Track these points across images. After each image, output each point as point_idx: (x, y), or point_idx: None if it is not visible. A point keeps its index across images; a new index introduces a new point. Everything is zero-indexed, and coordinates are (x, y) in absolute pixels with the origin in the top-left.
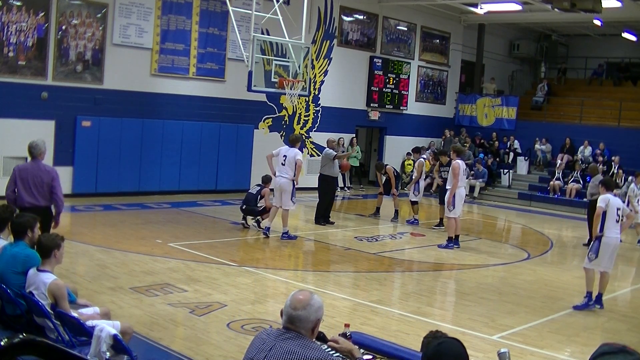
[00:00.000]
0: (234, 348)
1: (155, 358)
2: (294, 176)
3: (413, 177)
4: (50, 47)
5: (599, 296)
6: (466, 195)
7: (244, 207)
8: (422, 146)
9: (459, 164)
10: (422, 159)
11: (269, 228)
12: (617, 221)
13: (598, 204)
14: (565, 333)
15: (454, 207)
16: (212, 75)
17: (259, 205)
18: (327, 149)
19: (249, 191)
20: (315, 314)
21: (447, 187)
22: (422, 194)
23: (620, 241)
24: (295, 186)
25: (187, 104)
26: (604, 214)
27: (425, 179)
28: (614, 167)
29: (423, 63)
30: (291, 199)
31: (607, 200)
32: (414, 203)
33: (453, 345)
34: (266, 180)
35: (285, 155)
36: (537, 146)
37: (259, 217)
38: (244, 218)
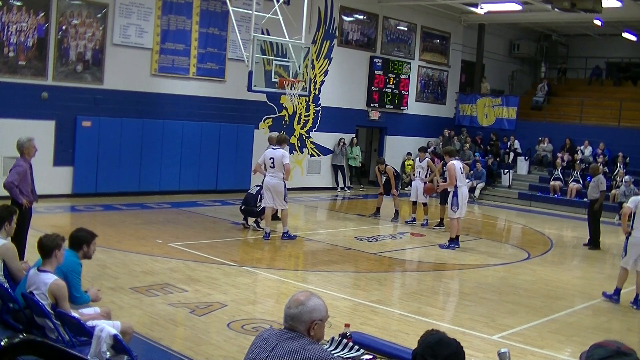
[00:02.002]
0: (234, 348)
1: (155, 358)
2: (284, 177)
3: (423, 176)
4: (50, 47)
5: (637, 297)
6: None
7: (242, 208)
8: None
9: (454, 164)
10: (427, 158)
11: (269, 233)
12: None
13: (628, 204)
14: (565, 333)
15: (457, 208)
16: (212, 75)
17: (258, 205)
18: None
19: (249, 191)
20: (309, 315)
21: (449, 189)
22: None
23: None
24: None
25: (187, 104)
26: (634, 214)
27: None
28: (619, 167)
29: (423, 63)
30: (284, 199)
31: (637, 202)
32: (424, 204)
33: (438, 334)
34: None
35: (272, 158)
36: (540, 147)
37: (258, 218)
38: (245, 218)
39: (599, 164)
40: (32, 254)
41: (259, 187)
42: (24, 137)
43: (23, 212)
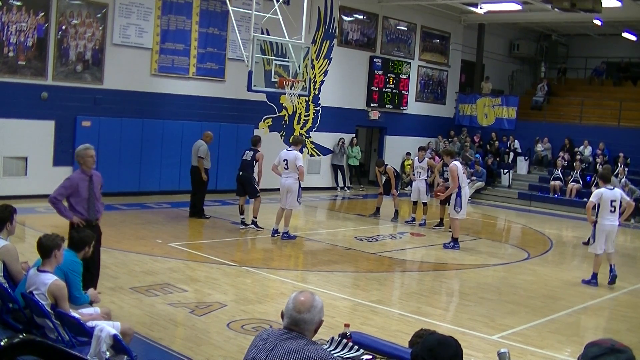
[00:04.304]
0: (234, 348)
1: (155, 358)
2: (299, 178)
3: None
4: (50, 47)
5: (610, 268)
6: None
7: (240, 174)
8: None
9: (457, 165)
10: (427, 158)
11: (277, 230)
12: (612, 211)
13: (590, 199)
14: (565, 333)
15: (460, 208)
16: (212, 75)
17: (254, 170)
18: (201, 142)
19: (243, 158)
20: (319, 316)
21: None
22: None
23: (619, 225)
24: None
25: (187, 104)
26: (598, 205)
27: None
28: (620, 166)
29: (423, 63)
30: (297, 200)
31: (600, 195)
32: (424, 204)
33: (437, 335)
34: (255, 141)
35: (285, 159)
36: (537, 147)
37: (254, 219)
38: (241, 211)
39: (597, 164)
40: (32, 253)
41: (252, 152)
42: (82, 145)
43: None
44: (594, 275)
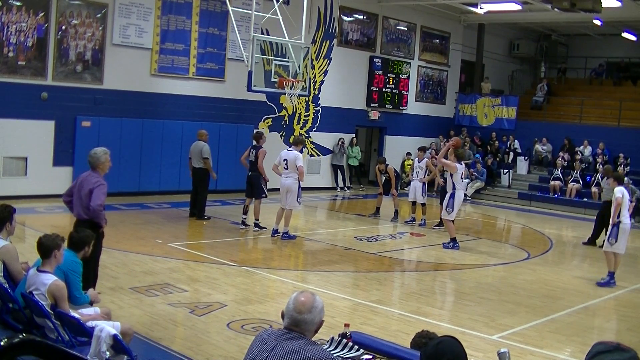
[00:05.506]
0: (234, 348)
1: (155, 358)
2: (299, 178)
3: (422, 177)
4: (50, 47)
5: (610, 275)
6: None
7: (250, 174)
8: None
9: (457, 166)
10: (426, 158)
11: (277, 230)
12: (628, 210)
13: (616, 195)
14: (565, 333)
15: (452, 210)
16: (212, 75)
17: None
18: (201, 142)
19: (249, 159)
20: (319, 316)
21: (447, 190)
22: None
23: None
24: (301, 186)
25: (187, 104)
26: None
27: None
28: (620, 167)
29: (423, 63)
30: (297, 200)
31: (623, 192)
32: (423, 205)
33: (452, 345)
34: (257, 137)
35: (285, 159)
36: (537, 147)
37: (256, 222)
38: (245, 212)
39: (597, 164)
40: (32, 253)
41: (254, 150)
42: (100, 149)
43: (99, 236)
44: (612, 275)
